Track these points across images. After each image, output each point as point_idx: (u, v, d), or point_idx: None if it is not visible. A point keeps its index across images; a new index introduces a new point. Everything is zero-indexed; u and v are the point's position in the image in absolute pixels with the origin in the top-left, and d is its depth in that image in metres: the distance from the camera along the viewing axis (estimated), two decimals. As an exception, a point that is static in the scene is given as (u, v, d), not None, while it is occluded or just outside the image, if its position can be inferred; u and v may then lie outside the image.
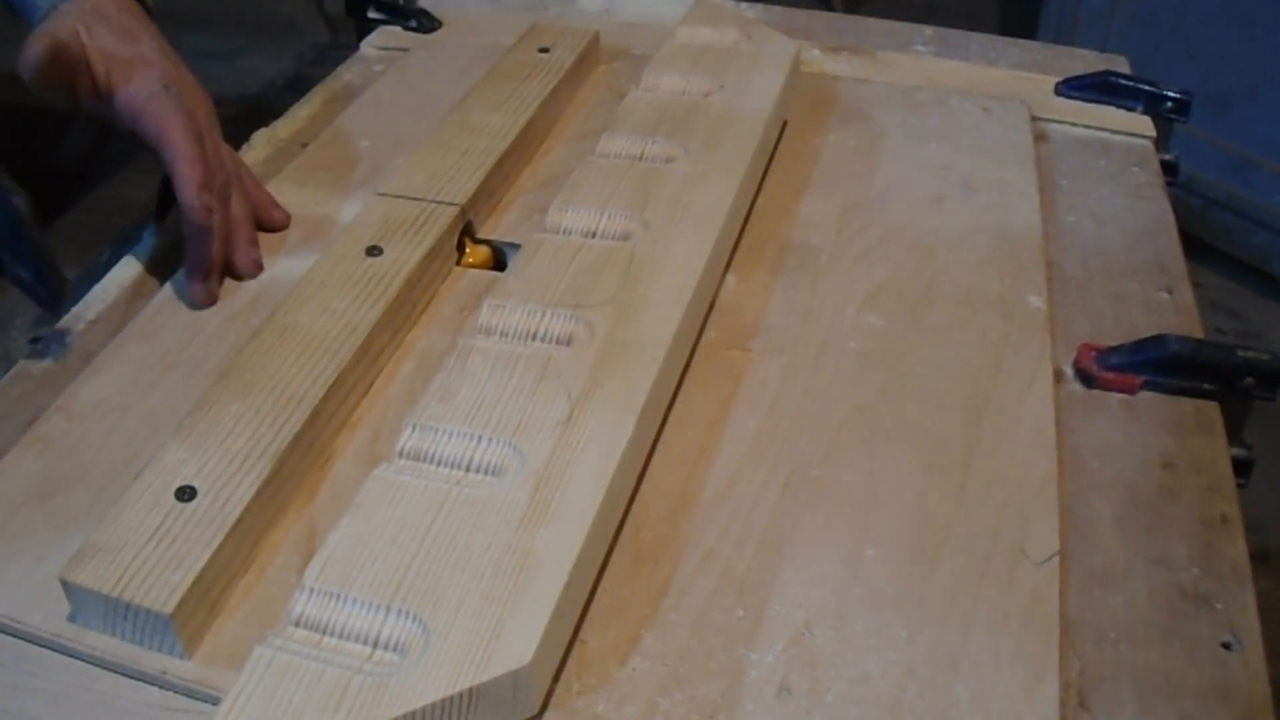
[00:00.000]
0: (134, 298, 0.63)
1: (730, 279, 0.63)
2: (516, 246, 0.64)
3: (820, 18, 1.01)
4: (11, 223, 0.57)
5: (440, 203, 0.64)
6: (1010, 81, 0.82)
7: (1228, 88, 1.71)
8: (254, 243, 0.64)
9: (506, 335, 0.54)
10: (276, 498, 0.49)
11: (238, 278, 0.63)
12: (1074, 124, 0.79)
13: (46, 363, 0.59)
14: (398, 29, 0.89)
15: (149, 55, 0.61)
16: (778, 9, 0.92)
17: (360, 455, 0.53)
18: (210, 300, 0.61)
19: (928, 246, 0.66)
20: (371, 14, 0.90)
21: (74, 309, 0.62)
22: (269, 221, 0.67)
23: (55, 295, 0.60)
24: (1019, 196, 0.70)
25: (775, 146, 0.74)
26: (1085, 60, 0.86)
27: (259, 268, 0.64)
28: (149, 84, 0.60)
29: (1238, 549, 0.50)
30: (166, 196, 0.60)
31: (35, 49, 0.58)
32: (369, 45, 0.89)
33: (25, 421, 0.55)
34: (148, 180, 0.68)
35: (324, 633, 0.42)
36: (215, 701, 0.42)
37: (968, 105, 0.78)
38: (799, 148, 0.74)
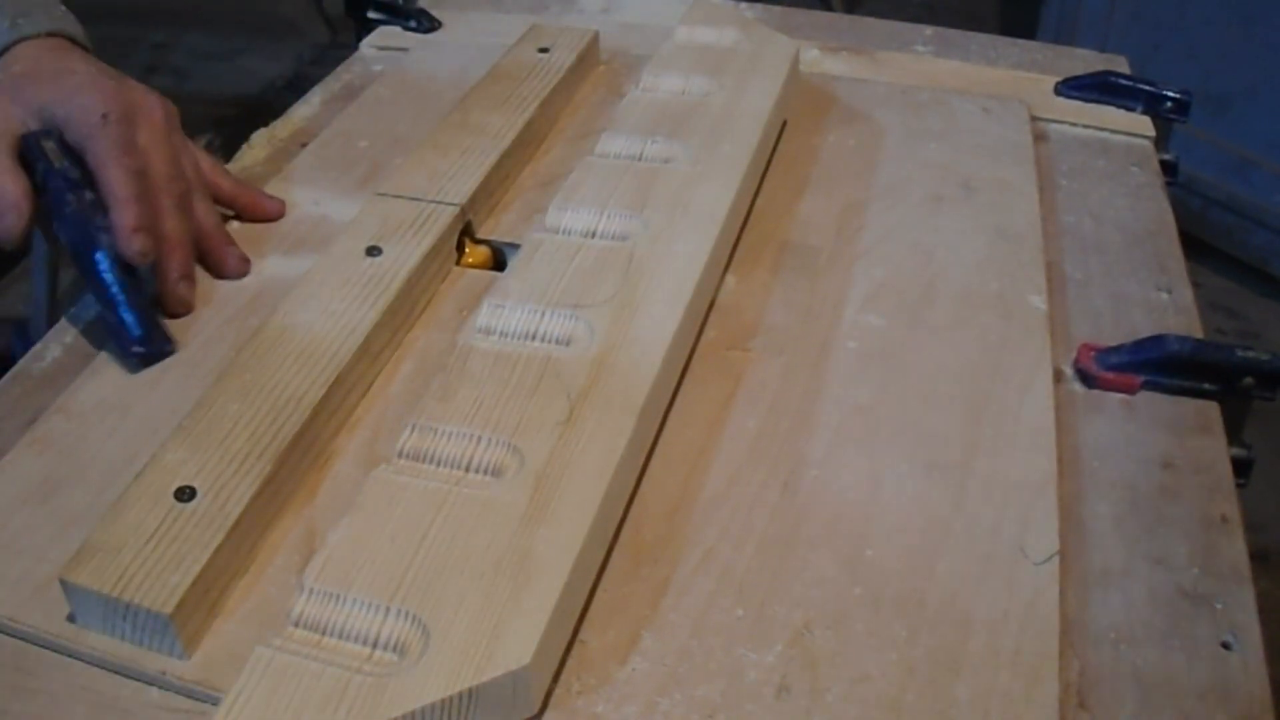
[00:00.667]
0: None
1: (730, 279, 0.63)
2: (516, 246, 0.64)
3: (820, 18, 1.01)
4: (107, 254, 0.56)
5: (440, 203, 0.64)
6: (1010, 81, 0.82)
7: (1228, 88, 1.71)
8: (232, 242, 0.64)
9: (506, 335, 0.54)
10: (276, 498, 0.49)
11: (226, 278, 0.63)
12: (1074, 124, 0.79)
13: (48, 361, 0.59)
14: (397, 29, 0.89)
15: (84, 81, 0.61)
16: (777, 9, 0.92)
17: (360, 455, 0.53)
18: (187, 309, 0.60)
19: (927, 246, 0.66)
20: (371, 14, 0.90)
21: (73, 309, 0.62)
22: (261, 213, 0.67)
23: (147, 336, 0.57)
24: (1019, 196, 0.69)
25: (775, 146, 0.74)
26: (1085, 60, 0.86)
27: (246, 263, 0.64)
28: (87, 117, 0.59)
29: (1238, 549, 0.50)
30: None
31: None
32: (369, 45, 0.89)
33: (25, 421, 0.55)
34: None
35: (324, 633, 0.42)
36: (215, 702, 0.42)
37: (968, 105, 0.78)
38: (799, 148, 0.74)
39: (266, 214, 0.67)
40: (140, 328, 0.57)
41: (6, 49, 0.63)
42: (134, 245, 0.57)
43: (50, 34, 0.65)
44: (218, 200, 0.66)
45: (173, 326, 0.60)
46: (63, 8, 0.67)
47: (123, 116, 0.60)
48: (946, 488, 0.51)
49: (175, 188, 0.61)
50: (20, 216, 0.58)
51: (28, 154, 0.59)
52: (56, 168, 0.58)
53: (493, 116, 0.71)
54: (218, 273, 0.63)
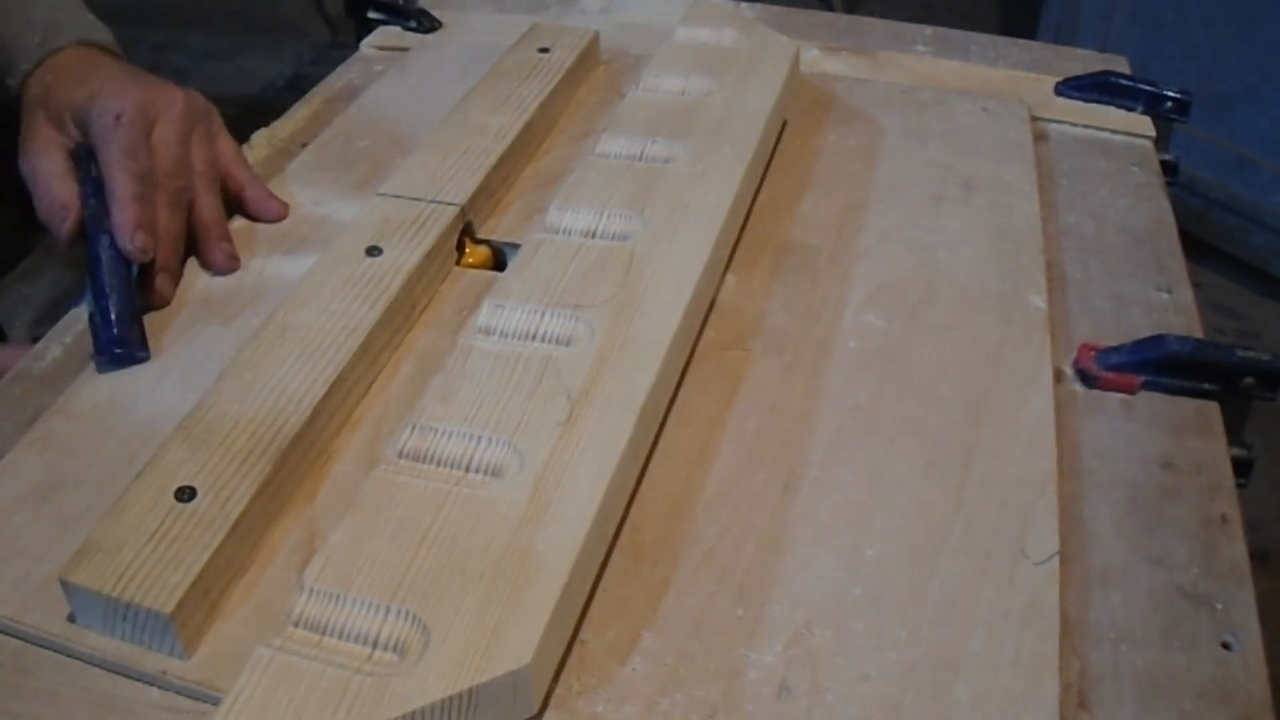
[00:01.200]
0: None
1: (730, 279, 0.63)
2: (516, 246, 0.64)
3: (820, 18, 1.01)
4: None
5: (440, 203, 0.64)
6: (1010, 81, 0.82)
7: (1228, 88, 1.71)
8: (226, 238, 0.64)
9: (506, 335, 0.54)
10: (276, 498, 0.49)
11: (212, 273, 0.64)
12: (1074, 124, 0.79)
13: (48, 361, 0.59)
14: (398, 29, 0.89)
15: (104, 84, 0.63)
16: (778, 9, 0.92)
17: (360, 455, 0.53)
18: (163, 301, 0.61)
19: (928, 246, 0.66)
20: (371, 14, 0.90)
21: (74, 309, 0.62)
22: (262, 212, 0.68)
23: (124, 338, 0.57)
24: (1019, 196, 0.69)
25: (775, 146, 0.74)
26: (1085, 60, 0.86)
27: (234, 261, 0.64)
28: (103, 120, 0.61)
29: (1238, 549, 0.50)
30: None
31: (60, 224, 0.61)
32: (369, 45, 0.89)
33: (25, 421, 0.55)
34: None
35: (324, 633, 0.42)
36: (215, 702, 0.42)
37: (968, 105, 0.78)
38: (799, 148, 0.74)
39: (268, 214, 0.68)
40: (121, 329, 0.57)
41: (40, 63, 0.66)
42: (135, 241, 0.59)
43: (80, 43, 0.67)
44: (226, 189, 0.67)
45: (176, 327, 0.60)
46: (91, 16, 0.70)
47: (136, 117, 0.61)
48: (946, 488, 0.51)
49: (173, 184, 0.62)
50: (68, 216, 0.61)
51: (77, 167, 0.63)
52: (94, 176, 0.61)
53: (493, 116, 0.71)
54: (204, 265, 0.64)
